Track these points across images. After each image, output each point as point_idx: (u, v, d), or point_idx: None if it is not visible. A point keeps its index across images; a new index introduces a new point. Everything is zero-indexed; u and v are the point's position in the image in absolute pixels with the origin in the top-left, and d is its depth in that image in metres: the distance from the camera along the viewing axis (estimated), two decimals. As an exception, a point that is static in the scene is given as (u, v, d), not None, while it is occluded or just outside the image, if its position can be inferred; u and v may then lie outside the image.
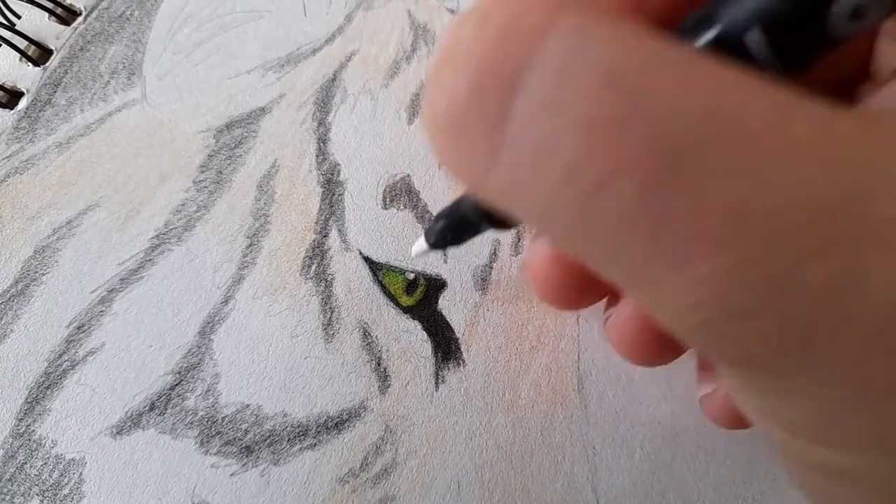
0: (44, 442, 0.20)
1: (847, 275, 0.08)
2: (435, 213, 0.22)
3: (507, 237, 0.21)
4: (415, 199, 0.22)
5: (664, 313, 0.09)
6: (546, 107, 0.09)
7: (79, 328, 0.21)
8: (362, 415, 0.20)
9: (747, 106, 0.08)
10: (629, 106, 0.08)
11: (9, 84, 0.25)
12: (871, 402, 0.08)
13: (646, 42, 0.09)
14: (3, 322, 0.21)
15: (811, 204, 0.08)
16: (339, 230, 0.22)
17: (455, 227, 0.17)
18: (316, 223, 0.22)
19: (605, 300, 0.17)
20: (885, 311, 0.08)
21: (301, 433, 0.20)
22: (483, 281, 0.21)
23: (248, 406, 0.20)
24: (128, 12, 0.25)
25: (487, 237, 0.21)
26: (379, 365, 0.20)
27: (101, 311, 0.21)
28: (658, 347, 0.15)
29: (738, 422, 0.15)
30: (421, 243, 0.18)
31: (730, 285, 0.08)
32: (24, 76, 0.25)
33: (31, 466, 0.20)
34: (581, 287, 0.15)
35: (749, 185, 0.08)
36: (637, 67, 0.08)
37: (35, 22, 0.26)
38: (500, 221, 0.15)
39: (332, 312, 0.21)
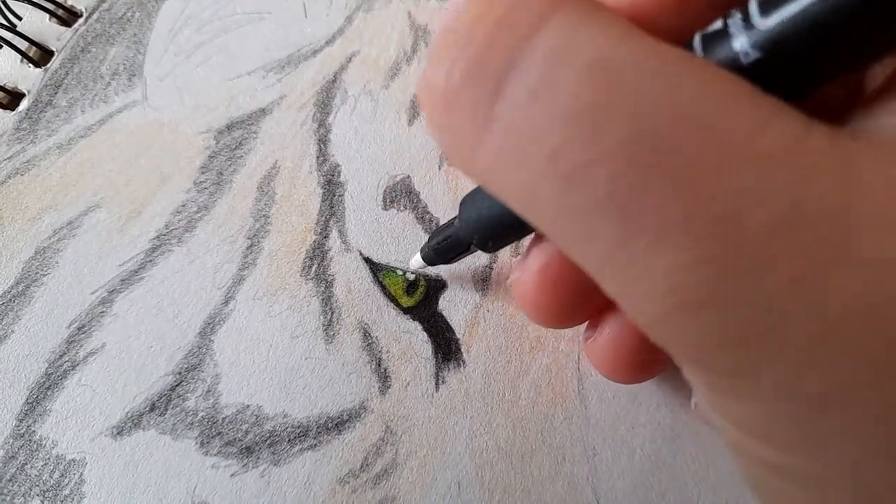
0: (44, 442, 0.20)
1: (800, 286, 0.08)
2: (435, 215, 0.22)
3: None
4: (415, 200, 0.22)
5: (628, 301, 0.09)
6: (533, 94, 0.09)
7: (79, 329, 0.21)
8: (362, 415, 0.20)
9: (724, 109, 0.08)
10: (610, 96, 0.08)
11: (10, 85, 0.25)
12: (800, 409, 0.09)
13: (634, 38, 0.09)
14: (3, 323, 0.21)
15: (774, 213, 0.08)
16: (340, 231, 0.22)
17: (445, 248, 0.18)
18: (316, 224, 0.22)
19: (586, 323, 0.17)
20: (831, 324, 0.08)
21: (301, 434, 0.20)
22: (483, 281, 0.21)
23: (248, 407, 0.20)
24: (129, 14, 0.25)
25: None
26: (379, 366, 0.20)
27: (102, 312, 0.21)
28: (632, 369, 0.16)
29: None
30: (417, 259, 0.19)
31: (690, 280, 0.08)
32: (25, 77, 0.25)
33: (31, 467, 0.20)
34: (567, 311, 0.16)
35: (717, 187, 0.08)
36: (621, 60, 0.09)
37: (36, 23, 0.26)
38: (487, 244, 0.16)
39: (332, 313, 0.21)
